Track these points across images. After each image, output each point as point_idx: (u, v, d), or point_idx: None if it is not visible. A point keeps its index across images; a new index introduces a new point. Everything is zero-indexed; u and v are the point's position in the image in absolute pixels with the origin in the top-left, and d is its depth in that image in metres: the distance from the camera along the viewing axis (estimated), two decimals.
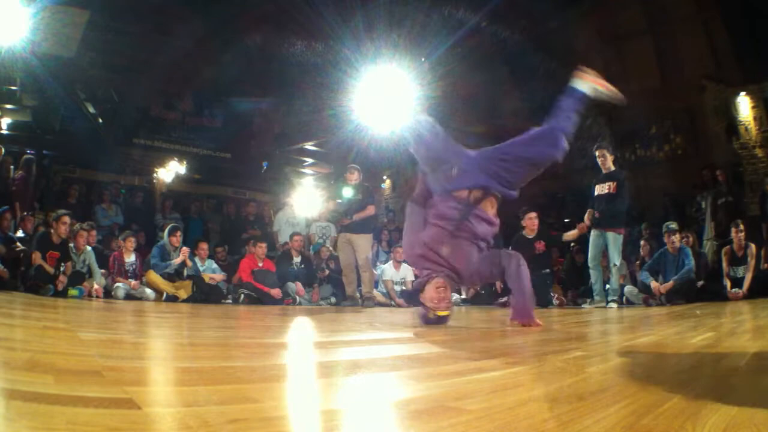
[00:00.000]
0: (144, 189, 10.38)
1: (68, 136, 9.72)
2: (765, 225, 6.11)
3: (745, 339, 1.87)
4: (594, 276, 5.50)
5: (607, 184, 5.37)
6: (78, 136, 9.58)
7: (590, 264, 5.50)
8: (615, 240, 5.28)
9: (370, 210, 5.87)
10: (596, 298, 5.48)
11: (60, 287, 5.00)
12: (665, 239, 5.65)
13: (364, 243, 5.67)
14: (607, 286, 5.53)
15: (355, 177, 6.01)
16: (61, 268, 5.12)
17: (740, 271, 5.51)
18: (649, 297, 5.58)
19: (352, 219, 5.66)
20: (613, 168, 5.49)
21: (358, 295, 5.76)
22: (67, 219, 5.34)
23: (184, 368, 1.13)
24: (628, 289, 5.92)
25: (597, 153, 5.49)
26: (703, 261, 6.09)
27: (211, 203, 10.45)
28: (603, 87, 2.70)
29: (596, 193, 5.42)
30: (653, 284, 5.48)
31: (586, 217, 5.48)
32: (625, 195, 5.35)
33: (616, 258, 5.29)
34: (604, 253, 5.45)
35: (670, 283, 5.38)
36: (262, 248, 6.26)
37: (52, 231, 5.27)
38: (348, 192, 5.95)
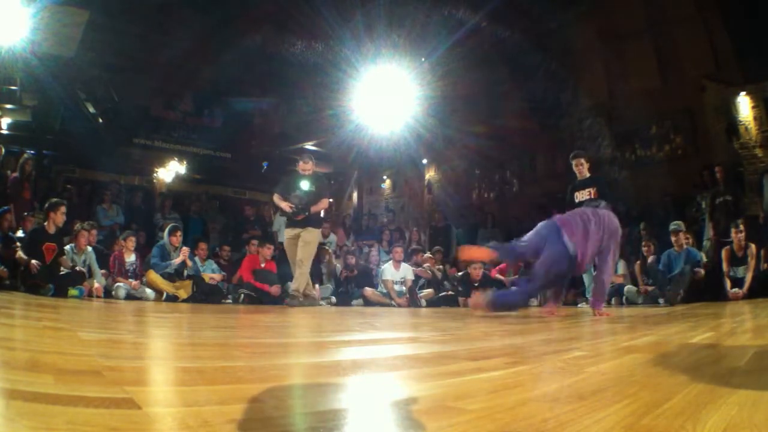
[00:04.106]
0: (144, 189, 10.38)
1: (68, 136, 9.73)
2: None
3: (745, 339, 1.87)
4: (587, 279, 5.53)
5: (587, 190, 5.38)
6: (78, 136, 9.59)
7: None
8: None
9: (325, 203, 5.49)
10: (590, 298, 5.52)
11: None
12: (672, 238, 5.70)
13: (313, 238, 5.28)
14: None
15: (309, 166, 5.47)
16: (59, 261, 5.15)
17: (740, 271, 5.51)
18: (657, 296, 5.61)
19: (307, 214, 5.20)
20: (588, 174, 5.50)
21: (313, 293, 5.43)
22: (64, 208, 5.31)
23: (184, 368, 1.13)
24: (628, 288, 5.93)
25: (573, 162, 5.46)
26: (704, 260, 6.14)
27: (211, 203, 10.45)
28: None
29: (577, 200, 5.42)
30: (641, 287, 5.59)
31: None
32: (608, 199, 5.39)
33: None
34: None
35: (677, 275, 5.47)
36: (269, 249, 6.25)
37: (47, 223, 5.23)
38: (305, 184, 5.39)
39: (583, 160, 5.47)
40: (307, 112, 11.11)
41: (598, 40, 8.93)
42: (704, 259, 6.10)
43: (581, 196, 5.41)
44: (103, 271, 5.65)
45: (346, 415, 0.72)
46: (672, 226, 5.80)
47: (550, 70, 9.36)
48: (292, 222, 5.31)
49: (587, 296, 5.56)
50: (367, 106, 8.80)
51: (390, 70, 8.30)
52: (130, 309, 3.79)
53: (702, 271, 5.63)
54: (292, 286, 5.28)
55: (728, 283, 5.50)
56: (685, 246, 5.74)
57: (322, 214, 5.64)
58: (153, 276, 5.63)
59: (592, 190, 5.35)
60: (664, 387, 0.92)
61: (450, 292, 6.57)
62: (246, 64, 9.55)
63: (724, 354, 1.41)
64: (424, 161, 12.35)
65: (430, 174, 12.54)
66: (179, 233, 6.03)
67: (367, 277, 6.94)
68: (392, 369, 1.21)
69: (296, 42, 8.76)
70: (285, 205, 5.26)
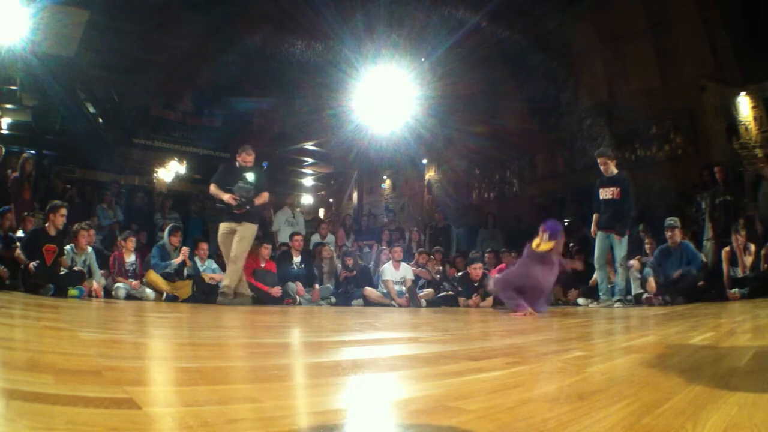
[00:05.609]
0: (144, 189, 10.38)
1: (68, 136, 9.74)
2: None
3: (745, 339, 1.87)
4: (600, 276, 5.55)
5: (610, 189, 5.45)
6: (78, 136, 9.59)
7: (596, 265, 5.58)
8: (620, 240, 5.36)
9: (265, 196, 5.37)
10: (602, 297, 5.52)
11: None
12: (666, 234, 5.70)
13: (249, 234, 5.19)
14: (610, 285, 5.57)
15: (252, 158, 5.34)
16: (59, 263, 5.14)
17: (740, 272, 5.52)
18: (652, 297, 5.60)
19: (250, 207, 5.06)
20: (615, 171, 5.55)
21: (246, 292, 5.29)
22: (64, 210, 5.31)
23: (184, 368, 1.13)
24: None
25: (599, 160, 5.55)
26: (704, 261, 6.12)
27: (211, 203, 10.44)
28: None
29: (601, 197, 5.49)
30: (650, 282, 5.54)
31: (593, 224, 5.57)
32: (630, 199, 5.44)
33: (622, 257, 5.37)
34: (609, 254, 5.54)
35: (677, 272, 5.46)
36: (267, 249, 6.24)
37: (47, 224, 5.24)
38: (249, 176, 5.25)
39: (606, 159, 5.55)
40: (307, 112, 11.11)
41: (598, 40, 8.92)
42: (704, 259, 6.10)
43: (604, 194, 5.49)
44: (103, 271, 5.64)
45: (346, 415, 0.72)
46: (668, 222, 5.80)
47: (550, 70, 9.35)
48: (229, 215, 5.12)
49: (601, 296, 5.58)
50: (367, 106, 8.80)
51: (390, 70, 8.30)
52: (130, 309, 3.79)
53: (701, 277, 5.64)
54: (224, 282, 5.19)
55: (728, 283, 5.51)
56: (680, 242, 5.73)
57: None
58: (153, 276, 5.63)
59: (615, 190, 5.42)
60: (664, 387, 0.92)
61: (450, 292, 6.57)
62: (246, 64, 9.55)
63: (724, 354, 1.41)
64: (424, 161, 12.36)
65: (430, 174, 12.55)
66: (179, 233, 6.02)
67: (367, 277, 6.93)
68: (392, 369, 1.21)
69: (296, 42, 8.76)
70: (228, 197, 5.05)
